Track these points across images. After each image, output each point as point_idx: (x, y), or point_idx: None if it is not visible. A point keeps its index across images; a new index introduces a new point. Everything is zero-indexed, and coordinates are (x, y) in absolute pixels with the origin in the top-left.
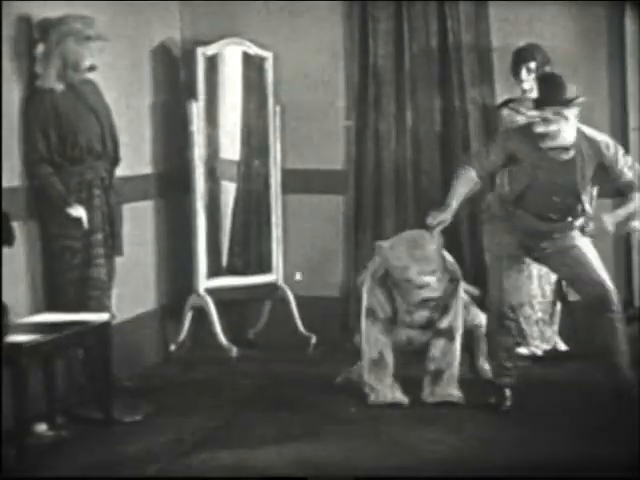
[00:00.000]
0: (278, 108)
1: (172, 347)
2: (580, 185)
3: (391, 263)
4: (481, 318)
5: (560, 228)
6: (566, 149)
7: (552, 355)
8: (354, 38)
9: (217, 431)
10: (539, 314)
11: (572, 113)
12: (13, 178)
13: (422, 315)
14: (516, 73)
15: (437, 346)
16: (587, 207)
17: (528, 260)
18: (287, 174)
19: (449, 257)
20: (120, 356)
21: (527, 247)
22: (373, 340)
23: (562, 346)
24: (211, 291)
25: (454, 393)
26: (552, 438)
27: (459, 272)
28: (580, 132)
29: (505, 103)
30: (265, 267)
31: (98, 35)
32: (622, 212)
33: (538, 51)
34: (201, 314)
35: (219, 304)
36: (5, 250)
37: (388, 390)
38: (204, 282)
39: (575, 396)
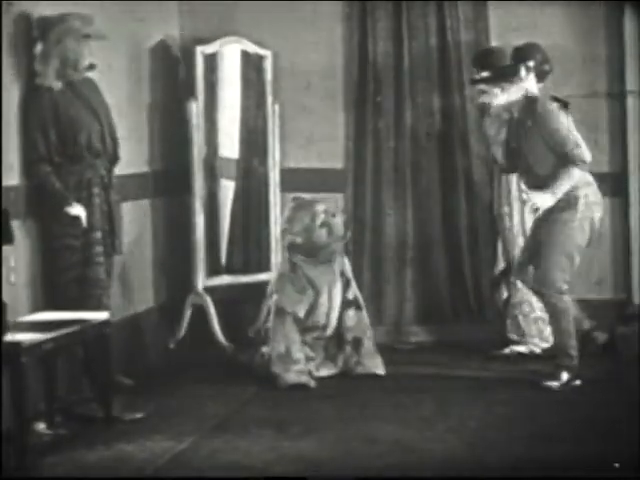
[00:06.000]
0: (277, 106)
1: (171, 345)
2: (526, 150)
3: (299, 217)
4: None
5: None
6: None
7: (551, 353)
8: (353, 37)
9: (217, 429)
10: (538, 312)
11: (504, 83)
12: (12, 177)
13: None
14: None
15: (349, 316)
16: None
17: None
18: (286, 172)
19: None
20: (119, 354)
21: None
22: (281, 336)
23: None
24: (210, 289)
25: (379, 364)
26: (551, 437)
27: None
28: (528, 100)
29: None
30: (264, 265)
31: (97, 33)
32: (559, 189)
33: (537, 50)
34: (200, 312)
35: (218, 302)
36: (5, 248)
37: (293, 375)
38: (203, 280)
39: (575, 395)
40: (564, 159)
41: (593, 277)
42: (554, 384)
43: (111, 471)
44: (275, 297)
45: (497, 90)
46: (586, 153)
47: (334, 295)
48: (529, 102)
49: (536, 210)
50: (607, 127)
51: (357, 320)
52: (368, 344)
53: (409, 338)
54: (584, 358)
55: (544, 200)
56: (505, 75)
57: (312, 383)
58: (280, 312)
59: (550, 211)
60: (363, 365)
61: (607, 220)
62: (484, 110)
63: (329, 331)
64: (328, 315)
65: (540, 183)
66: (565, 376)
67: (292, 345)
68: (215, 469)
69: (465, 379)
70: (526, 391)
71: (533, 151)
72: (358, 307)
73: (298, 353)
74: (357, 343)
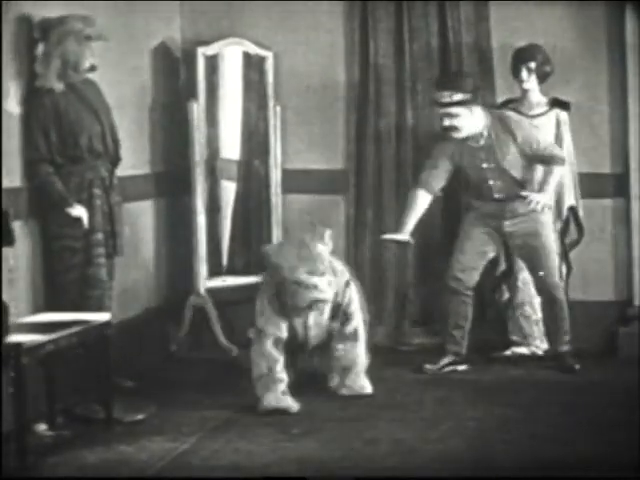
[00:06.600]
0: (278, 108)
1: (172, 347)
2: (506, 165)
3: (279, 265)
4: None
5: (513, 208)
6: (480, 135)
7: (552, 354)
8: (354, 37)
9: (217, 430)
10: (539, 314)
11: (472, 106)
12: (14, 178)
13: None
14: (516, 73)
15: (341, 348)
16: (522, 192)
17: (490, 241)
18: (287, 174)
19: (338, 263)
20: (120, 356)
21: (493, 227)
22: (261, 357)
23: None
24: (211, 291)
25: (366, 385)
26: (552, 437)
27: (349, 275)
28: (495, 116)
29: (505, 103)
30: (265, 267)
31: (98, 35)
32: (549, 188)
33: (538, 51)
34: (201, 314)
35: (219, 304)
36: (5, 250)
37: (273, 399)
38: (204, 282)
39: (575, 396)
40: (546, 161)
41: (594, 278)
42: (577, 367)
43: (112, 472)
44: (257, 318)
45: (467, 111)
46: (561, 152)
47: (312, 321)
48: (497, 119)
49: (541, 209)
50: (608, 127)
51: (349, 351)
52: (356, 371)
53: (410, 339)
54: (584, 360)
55: (545, 199)
56: (476, 98)
57: (294, 408)
58: (260, 333)
59: (531, 214)
60: (348, 387)
61: (608, 221)
62: (448, 132)
63: (307, 348)
64: (305, 336)
65: (517, 190)
66: (575, 361)
67: (275, 365)
68: (216, 470)
69: (466, 380)
70: (526, 392)
71: (511, 164)
72: (355, 339)
73: (281, 373)
74: (345, 370)
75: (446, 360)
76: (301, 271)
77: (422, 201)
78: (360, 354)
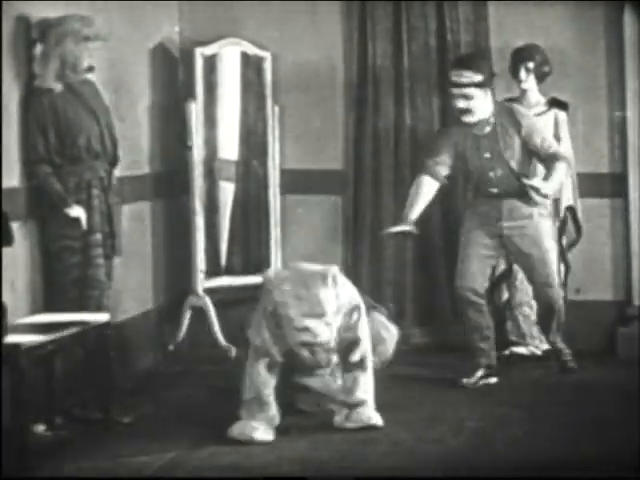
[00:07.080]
0: (277, 108)
1: (171, 347)
2: (508, 156)
3: (275, 297)
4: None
5: (511, 207)
6: (486, 123)
7: (551, 355)
8: (353, 38)
9: (216, 430)
10: None
11: (487, 89)
12: (12, 178)
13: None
14: (515, 73)
15: (350, 379)
16: (524, 179)
17: (492, 245)
18: (286, 174)
19: (350, 289)
20: (119, 356)
21: (489, 228)
22: (252, 378)
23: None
24: (210, 291)
25: (373, 416)
26: (552, 438)
27: (361, 301)
28: (501, 106)
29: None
30: (264, 267)
31: (97, 35)
32: (552, 180)
33: (537, 51)
34: (200, 314)
35: (218, 304)
36: (4, 250)
37: (248, 427)
38: (203, 282)
39: (574, 396)
40: (547, 159)
41: (593, 278)
42: (576, 367)
43: (110, 472)
44: (252, 333)
45: (482, 94)
46: (563, 151)
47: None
48: (503, 109)
49: (540, 195)
50: (606, 127)
51: (355, 386)
52: (363, 406)
53: (409, 340)
54: (584, 360)
55: (547, 189)
56: (491, 81)
57: (269, 438)
58: (255, 351)
59: (531, 219)
60: (354, 421)
61: (607, 221)
62: (461, 115)
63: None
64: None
65: (516, 183)
66: (575, 361)
67: (264, 388)
68: (215, 470)
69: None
70: (526, 392)
71: (512, 156)
72: (364, 369)
73: (269, 397)
74: (354, 405)
75: (480, 373)
76: (293, 311)
77: (427, 188)
78: (368, 388)
